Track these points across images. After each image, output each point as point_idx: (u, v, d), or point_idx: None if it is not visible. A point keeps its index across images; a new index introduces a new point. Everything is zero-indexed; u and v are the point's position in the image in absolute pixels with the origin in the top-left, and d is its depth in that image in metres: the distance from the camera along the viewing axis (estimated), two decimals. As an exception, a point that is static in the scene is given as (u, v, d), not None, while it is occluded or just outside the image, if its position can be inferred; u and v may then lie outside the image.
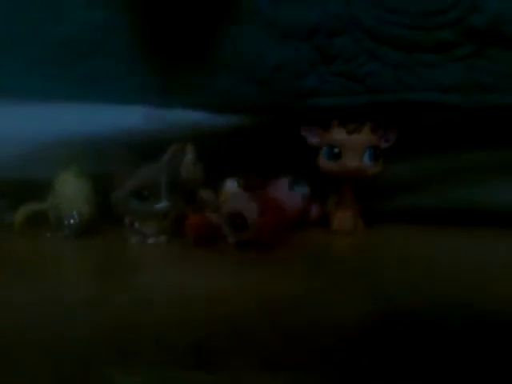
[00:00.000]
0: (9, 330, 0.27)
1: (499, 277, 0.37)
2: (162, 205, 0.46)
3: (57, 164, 0.51)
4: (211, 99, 0.51)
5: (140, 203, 0.46)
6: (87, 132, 0.52)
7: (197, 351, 0.25)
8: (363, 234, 0.51)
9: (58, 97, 0.52)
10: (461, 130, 0.49)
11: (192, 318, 0.30)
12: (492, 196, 0.50)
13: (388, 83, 0.48)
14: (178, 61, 0.51)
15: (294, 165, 0.51)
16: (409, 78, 0.48)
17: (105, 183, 0.48)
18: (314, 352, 0.24)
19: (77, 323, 0.28)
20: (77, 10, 0.51)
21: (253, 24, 0.49)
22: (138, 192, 0.46)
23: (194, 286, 0.36)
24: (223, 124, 0.51)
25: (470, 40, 0.46)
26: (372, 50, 0.47)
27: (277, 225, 0.44)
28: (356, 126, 0.48)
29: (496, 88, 0.46)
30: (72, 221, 0.50)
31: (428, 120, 0.49)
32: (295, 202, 0.51)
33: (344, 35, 0.48)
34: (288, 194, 0.50)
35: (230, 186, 0.48)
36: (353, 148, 0.48)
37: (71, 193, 0.51)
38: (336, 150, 0.48)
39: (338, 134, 0.48)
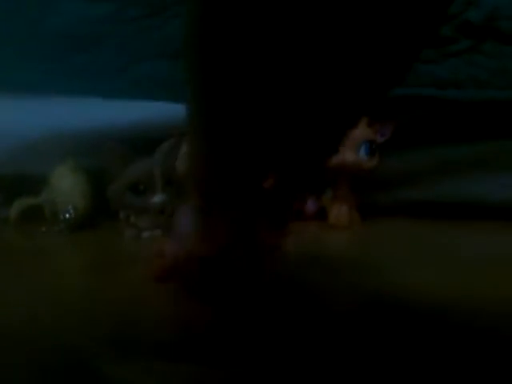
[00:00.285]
0: (3, 324, 0.27)
1: (498, 272, 0.37)
2: (158, 199, 0.46)
3: (52, 158, 0.51)
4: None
5: (136, 197, 0.46)
6: (82, 126, 0.52)
7: (193, 345, 0.24)
8: (360, 228, 0.51)
9: (53, 91, 0.52)
10: (457, 124, 0.49)
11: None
12: (488, 190, 0.50)
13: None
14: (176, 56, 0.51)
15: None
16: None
17: (101, 177, 0.48)
18: (313, 347, 0.24)
19: (71, 317, 0.28)
20: (72, 3, 0.51)
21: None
22: (134, 186, 0.46)
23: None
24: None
25: (466, 35, 0.46)
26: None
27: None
28: (352, 120, 0.48)
29: (492, 83, 0.47)
30: (67, 215, 0.50)
31: (424, 114, 0.49)
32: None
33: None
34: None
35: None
36: (349, 142, 0.48)
37: (67, 187, 0.50)
38: (332, 145, 0.48)
39: (334, 129, 0.48)
